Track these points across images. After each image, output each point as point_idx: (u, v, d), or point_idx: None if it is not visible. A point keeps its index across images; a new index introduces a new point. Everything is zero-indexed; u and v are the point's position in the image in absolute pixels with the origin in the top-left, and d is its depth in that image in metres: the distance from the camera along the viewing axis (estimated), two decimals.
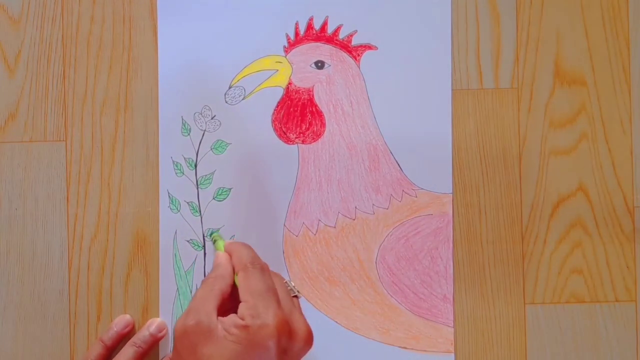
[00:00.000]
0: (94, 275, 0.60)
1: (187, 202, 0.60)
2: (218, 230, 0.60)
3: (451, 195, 0.60)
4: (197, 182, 0.60)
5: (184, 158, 0.60)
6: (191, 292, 0.60)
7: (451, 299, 0.60)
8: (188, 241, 0.60)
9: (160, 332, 0.59)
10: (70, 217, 0.60)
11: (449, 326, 0.60)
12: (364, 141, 0.61)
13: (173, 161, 0.60)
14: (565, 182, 0.61)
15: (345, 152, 0.60)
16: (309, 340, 0.52)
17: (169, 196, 0.60)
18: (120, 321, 0.60)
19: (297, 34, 0.61)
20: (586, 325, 0.60)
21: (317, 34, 0.61)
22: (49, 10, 0.60)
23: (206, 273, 0.60)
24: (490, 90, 0.61)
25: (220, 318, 0.51)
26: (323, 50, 0.61)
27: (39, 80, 0.60)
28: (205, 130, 0.60)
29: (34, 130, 0.60)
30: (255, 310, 0.50)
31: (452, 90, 0.61)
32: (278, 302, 0.52)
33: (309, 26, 0.61)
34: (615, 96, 0.61)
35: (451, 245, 0.60)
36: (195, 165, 0.60)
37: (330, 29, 0.61)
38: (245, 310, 0.51)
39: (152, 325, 0.59)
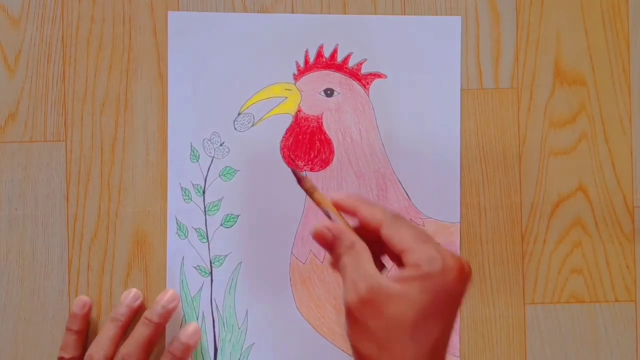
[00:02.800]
0: (94, 275, 0.60)
1: (195, 229, 0.60)
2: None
3: (458, 224, 0.60)
4: (205, 208, 0.60)
5: (193, 184, 0.60)
6: (197, 319, 0.60)
7: (458, 330, 0.60)
8: (195, 267, 0.60)
9: (135, 301, 0.59)
10: (70, 217, 0.60)
11: (455, 355, 0.60)
12: (372, 169, 0.60)
13: (181, 187, 0.60)
14: (565, 182, 0.61)
15: (353, 180, 0.60)
16: (470, 270, 0.48)
17: (177, 222, 0.60)
18: (126, 295, 0.59)
19: (306, 61, 0.61)
20: (586, 325, 0.60)
21: (326, 62, 0.61)
22: (49, 10, 0.60)
23: (212, 300, 0.60)
24: (490, 90, 0.61)
25: (388, 275, 0.48)
26: (332, 78, 0.61)
27: (39, 80, 0.60)
28: (213, 157, 0.60)
29: (34, 130, 0.60)
30: (426, 254, 0.47)
31: (460, 94, 0.61)
32: (438, 243, 0.49)
33: (319, 54, 0.61)
34: (615, 96, 0.61)
35: None
36: (204, 192, 0.60)
37: (340, 57, 0.61)
38: (412, 256, 0.47)
39: (127, 296, 0.59)
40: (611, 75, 0.61)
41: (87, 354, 0.57)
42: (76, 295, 0.60)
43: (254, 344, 0.60)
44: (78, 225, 0.60)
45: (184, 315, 0.60)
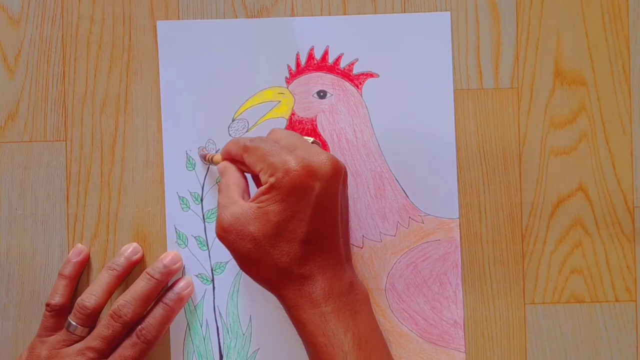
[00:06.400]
0: (94, 275, 0.60)
1: (195, 237, 0.60)
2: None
3: (458, 220, 0.60)
4: (203, 216, 0.60)
5: (190, 193, 0.60)
6: (201, 327, 0.60)
7: (462, 324, 0.60)
8: (197, 276, 0.60)
9: (134, 255, 0.59)
10: (70, 217, 0.60)
11: (460, 351, 0.60)
12: (368, 169, 0.60)
13: (179, 196, 0.60)
14: (565, 182, 0.61)
15: (350, 180, 0.60)
16: (334, 165, 0.52)
17: (176, 231, 0.60)
18: (126, 248, 0.60)
19: (298, 64, 0.61)
20: (586, 325, 0.60)
21: (318, 64, 0.61)
22: (49, 10, 0.60)
23: (216, 307, 0.60)
24: (490, 90, 0.61)
25: (248, 201, 0.52)
26: (325, 80, 0.61)
27: (39, 80, 0.60)
28: (210, 164, 0.60)
29: (34, 130, 0.61)
30: (271, 168, 0.51)
31: (453, 90, 0.61)
32: (289, 149, 0.52)
33: (310, 56, 0.61)
34: (615, 96, 0.61)
35: (460, 270, 0.60)
36: (201, 200, 0.60)
37: (331, 59, 0.61)
38: (264, 175, 0.51)
39: (127, 249, 0.59)
40: (611, 75, 0.61)
41: (78, 299, 0.57)
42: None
43: (259, 349, 0.60)
44: (78, 225, 0.60)
45: (188, 324, 0.60)
